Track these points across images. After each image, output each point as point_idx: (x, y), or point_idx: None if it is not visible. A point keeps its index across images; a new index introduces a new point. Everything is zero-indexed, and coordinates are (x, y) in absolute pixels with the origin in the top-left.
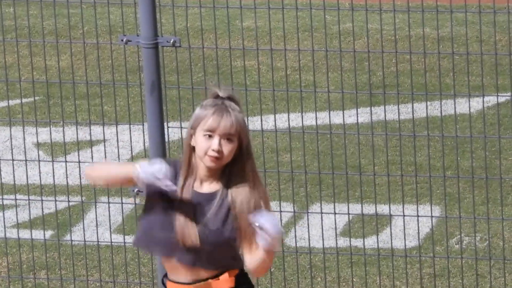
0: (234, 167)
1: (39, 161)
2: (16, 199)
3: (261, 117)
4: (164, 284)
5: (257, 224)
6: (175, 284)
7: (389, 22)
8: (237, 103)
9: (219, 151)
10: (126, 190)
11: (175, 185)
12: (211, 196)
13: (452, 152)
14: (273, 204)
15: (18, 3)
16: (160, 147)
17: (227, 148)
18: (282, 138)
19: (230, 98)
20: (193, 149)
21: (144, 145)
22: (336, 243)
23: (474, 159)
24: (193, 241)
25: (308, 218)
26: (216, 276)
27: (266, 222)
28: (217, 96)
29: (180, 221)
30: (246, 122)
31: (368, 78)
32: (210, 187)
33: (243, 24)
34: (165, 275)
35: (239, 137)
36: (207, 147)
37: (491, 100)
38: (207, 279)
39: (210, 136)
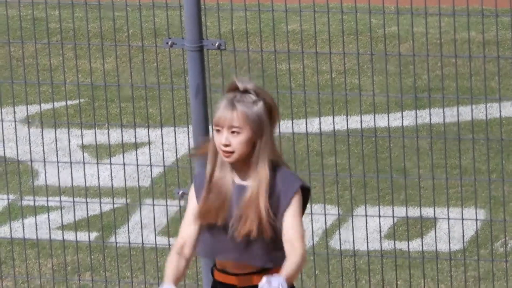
0: (252, 160)
1: (84, 163)
2: (61, 201)
3: (306, 120)
4: (212, 273)
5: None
6: (220, 273)
7: (435, 25)
8: (255, 94)
9: (227, 145)
10: (171, 192)
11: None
12: (242, 189)
13: (497, 156)
14: (318, 207)
15: (63, 6)
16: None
17: (236, 141)
18: (327, 141)
19: (245, 91)
20: None
21: (189, 147)
22: (381, 246)
23: None
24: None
25: (352, 221)
26: (260, 272)
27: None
28: (235, 89)
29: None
30: (266, 112)
31: (413, 82)
32: (244, 180)
33: (288, 27)
34: (214, 265)
35: (252, 128)
36: (218, 142)
37: None
38: (250, 273)
39: (218, 131)
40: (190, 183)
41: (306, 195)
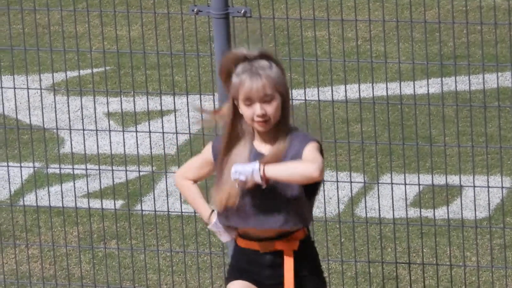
0: (280, 123)
1: (110, 131)
2: (86, 169)
3: (331, 87)
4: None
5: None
6: (243, 240)
7: None
8: (268, 57)
9: (264, 115)
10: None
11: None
12: (259, 156)
13: None
14: (344, 175)
15: None
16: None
17: (271, 109)
18: (353, 108)
19: (258, 57)
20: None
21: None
22: (406, 214)
23: None
24: (233, 201)
25: (378, 188)
26: (281, 237)
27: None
28: (245, 59)
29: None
30: (282, 73)
31: (439, 49)
32: (263, 146)
33: None
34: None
35: (279, 92)
36: (252, 114)
37: None
38: (272, 238)
39: (249, 104)
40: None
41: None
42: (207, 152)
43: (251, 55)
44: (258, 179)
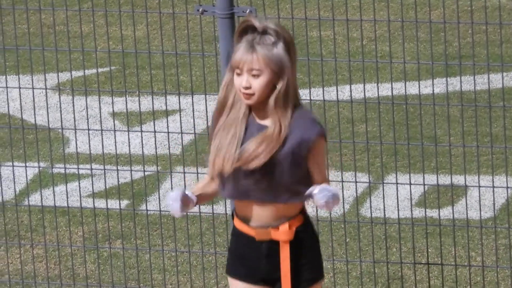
0: (270, 101)
1: (115, 130)
2: (91, 169)
3: (336, 87)
4: (232, 217)
5: (309, 193)
6: (240, 222)
7: None
8: (275, 34)
9: (247, 88)
10: (202, 159)
11: None
12: (261, 127)
13: None
14: (349, 175)
15: None
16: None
17: (256, 83)
18: (358, 108)
19: (264, 32)
20: None
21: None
22: (412, 214)
23: None
24: (230, 166)
25: (383, 188)
26: (277, 226)
27: (317, 194)
28: (253, 29)
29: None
30: (283, 54)
31: (444, 49)
32: (263, 120)
33: None
34: (235, 210)
35: (272, 70)
36: (239, 84)
37: None
38: (267, 226)
39: (239, 73)
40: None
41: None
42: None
43: (259, 27)
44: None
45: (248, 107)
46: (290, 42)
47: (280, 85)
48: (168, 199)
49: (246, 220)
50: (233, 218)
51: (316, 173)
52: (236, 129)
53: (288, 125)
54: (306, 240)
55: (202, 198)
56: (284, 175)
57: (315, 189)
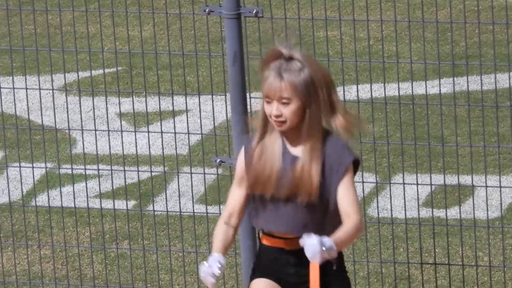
0: (303, 128)
1: (122, 131)
2: (98, 169)
3: (343, 87)
4: (259, 237)
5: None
6: (268, 238)
7: None
8: (300, 61)
9: (278, 116)
10: (209, 160)
11: None
12: (294, 159)
13: None
14: (356, 175)
15: None
16: (242, 117)
17: (287, 112)
18: (365, 108)
19: (291, 58)
20: None
21: (227, 115)
22: (418, 214)
23: None
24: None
25: (390, 188)
26: None
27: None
28: (279, 56)
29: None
30: (308, 81)
31: (451, 49)
32: (295, 149)
33: None
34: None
35: (300, 98)
36: (269, 112)
37: None
38: (297, 237)
39: (269, 102)
40: (235, 150)
41: (356, 165)
42: (240, 163)
43: (287, 54)
44: (334, 255)
45: (282, 134)
46: (317, 69)
47: (309, 112)
48: (204, 275)
49: (274, 235)
50: (259, 239)
51: (344, 201)
52: (274, 156)
53: (322, 151)
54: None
55: (228, 249)
56: (322, 204)
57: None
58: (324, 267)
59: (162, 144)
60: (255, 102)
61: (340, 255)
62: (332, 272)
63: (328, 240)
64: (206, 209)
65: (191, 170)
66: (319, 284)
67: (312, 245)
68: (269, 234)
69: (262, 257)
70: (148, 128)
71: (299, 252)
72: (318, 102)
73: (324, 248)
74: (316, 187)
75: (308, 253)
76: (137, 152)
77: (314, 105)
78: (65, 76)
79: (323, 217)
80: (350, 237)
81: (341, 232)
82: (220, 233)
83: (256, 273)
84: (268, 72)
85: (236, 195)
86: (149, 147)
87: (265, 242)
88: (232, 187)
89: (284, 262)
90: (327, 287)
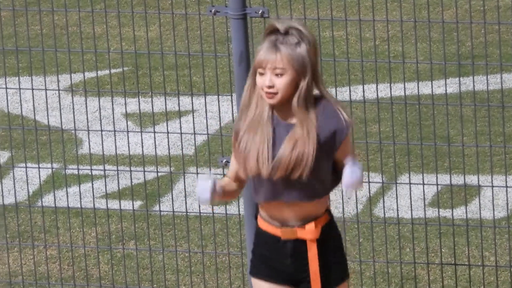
0: (295, 100)
1: (128, 131)
2: (105, 170)
3: (349, 87)
4: (256, 219)
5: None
6: (265, 222)
7: None
8: (298, 35)
9: (270, 87)
10: (215, 160)
11: None
12: (289, 126)
13: None
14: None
15: None
16: None
17: (279, 83)
18: (371, 108)
19: (287, 32)
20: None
21: (233, 115)
22: (425, 214)
23: None
24: (266, 169)
25: (396, 188)
26: (302, 225)
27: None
28: (276, 30)
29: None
30: (305, 55)
31: (456, 49)
32: (289, 119)
33: None
34: (258, 211)
35: (295, 69)
36: (262, 83)
37: None
38: (293, 226)
39: (262, 73)
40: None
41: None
42: (233, 138)
43: (281, 28)
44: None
45: (271, 108)
46: (313, 42)
47: (302, 84)
48: (199, 188)
49: (270, 220)
50: (256, 219)
51: (344, 159)
52: (263, 130)
53: (316, 121)
54: (332, 239)
55: (225, 194)
56: (321, 172)
57: (347, 166)
58: (323, 255)
59: (168, 145)
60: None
61: (338, 239)
62: (331, 260)
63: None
64: (212, 209)
65: (197, 170)
66: (319, 275)
67: (358, 172)
68: (265, 219)
69: (259, 246)
70: (154, 128)
71: (296, 242)
72: (312, 75)
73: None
74: (313, 159)
75: (353, 178)
76: (143, 153)
77: (308, 77)
78: (71, 76)
79: (321, 183)
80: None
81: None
82: (224, 180)
83: (255, 266)
84: (261, 45)
85: (235, 165)
86: (155, 148)
87: (261, 225)
88: (231, 159)
89: (281, 252)
90: (327, 267)
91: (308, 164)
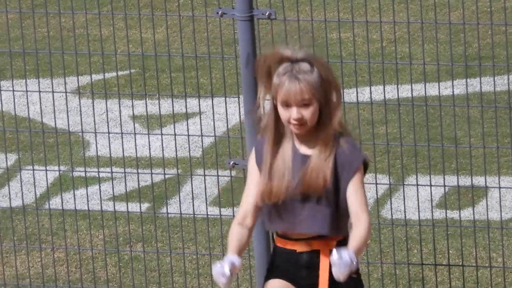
0: (320, 127)
1: (135, 134)
2: (112, 172)
3: (356, 89)
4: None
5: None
6: (282, 239)
7: None
8: (310, 61)
9: (299, 119)
10: (222, 162)
11: None
12: (305, 158)
13: None
14: (369, 176)
15: None
16: (256, 120)
17: (308, 113)
18: (378, 110)
19: (301, 60)
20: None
21: (240, 117)
22: (432, 215)
23: None
24: (281, 195)
25: (404, 190)
26: (319, 237)
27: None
28: (288, 60)
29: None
30: (320, 79)
31: (463, 50)
32: (307, 149)
33: None
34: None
35: (317, 98)
36: (288, 117)
37: None
38: (309, 239)
39: (287, 106)
40: (248, 152)
41: (365, 167)
42: (253, 166)
43: (294, 57)
44: (357, 267)
45: (292, 138)
46: (325, 68)
47: (324, 110)
48: (215, 272)
49: (287, 237)
50: (273, 240)
51: (353, 201)
52: (285, 160)
53: (334, 151)
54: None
55: (243, 250)
56: (335, 203)
57: (334, 256)
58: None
59: (176, 147)
60: (267, 103)
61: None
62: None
63: (352, 255)
64: (220, 211)
65: (204, 172)
66: (327, 285)
67: (346, 264)
68: (282, 236)
69: (276, 259)
70: (161, 130)
71: (311, 254)
72: (330, 100)
73: (354, 263)
74: (329, 183)
75: (340, 269)
76: (150, 155)
77: (328, 103)
78: (78, 78)
79: (335, 215)
80: (365, 242)
81: (356, 241)
82: (235, 235)
83: (270, 274)
84: (280, 78)
85: (250, 196)
86: (163, 150)
87: (278, 244)
88: (245, 190)
89: (297, 265)
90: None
91: (327, 181)
